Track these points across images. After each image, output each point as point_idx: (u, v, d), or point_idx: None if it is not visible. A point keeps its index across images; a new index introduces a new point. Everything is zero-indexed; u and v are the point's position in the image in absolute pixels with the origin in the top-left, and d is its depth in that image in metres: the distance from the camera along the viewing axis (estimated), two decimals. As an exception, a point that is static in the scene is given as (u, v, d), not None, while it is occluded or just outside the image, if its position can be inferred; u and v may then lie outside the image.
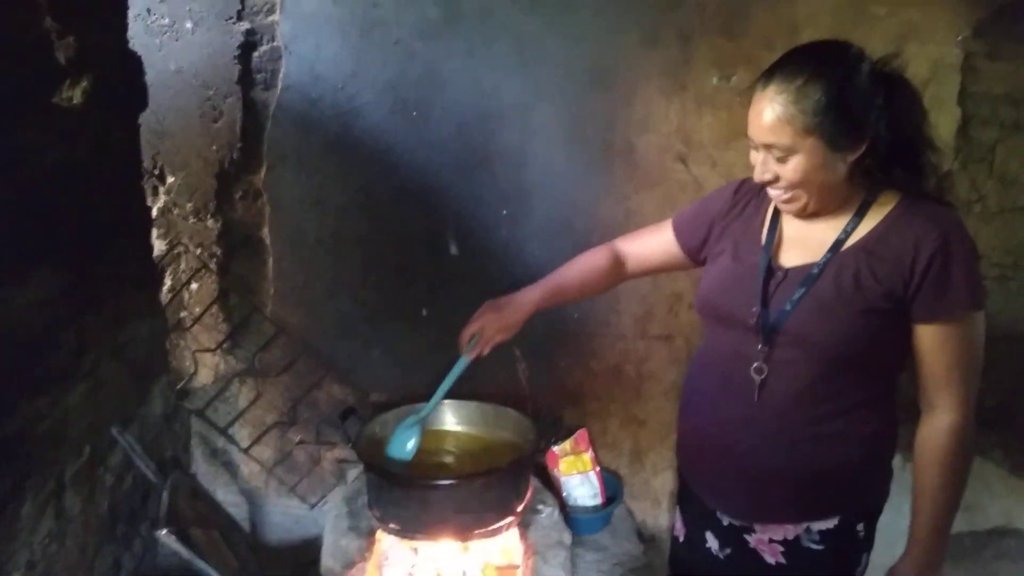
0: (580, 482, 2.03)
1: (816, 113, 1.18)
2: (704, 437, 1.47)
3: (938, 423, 1.29)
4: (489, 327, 1.51)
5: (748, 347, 1.34)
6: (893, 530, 1.71)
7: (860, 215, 1.30)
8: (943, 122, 1.90)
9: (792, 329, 1.30)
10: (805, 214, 1.32)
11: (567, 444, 2.05)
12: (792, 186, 1.26)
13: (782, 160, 1.23)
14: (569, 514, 1.93)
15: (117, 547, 1.59)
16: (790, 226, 1.38)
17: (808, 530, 1.36)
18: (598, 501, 2.04)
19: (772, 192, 1.31)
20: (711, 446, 1.46)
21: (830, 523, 1.36)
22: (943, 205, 1.30)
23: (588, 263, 1.63)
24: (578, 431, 2.08)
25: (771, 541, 1.40)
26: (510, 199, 1.95)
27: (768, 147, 1.23)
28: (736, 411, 1.38)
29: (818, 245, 1.32)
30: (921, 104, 1.27)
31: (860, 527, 1.39)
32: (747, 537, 1.43)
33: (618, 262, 1.63)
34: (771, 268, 1.35)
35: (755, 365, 1.33)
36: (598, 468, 2.05)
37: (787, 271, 1.34)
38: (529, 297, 1.55)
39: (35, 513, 1.26)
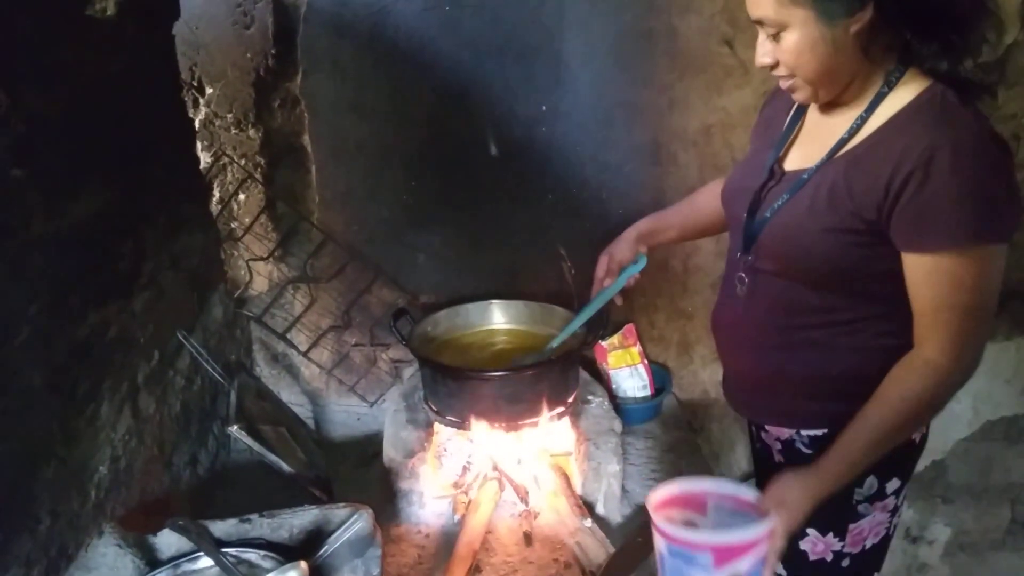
0: (629, 374, 2.06)
1: None
2: (717, 339, 1.47)
3: (918, 354, 1.11)
4: (600, 268, 1.51)
5: (737, 254, 1.28)
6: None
7: (872, 109, 1.09)
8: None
9: (765, 240, 1.19)
10: (820, 104, 1.16)
11: (615, 339, 2.07)
12: (792, 69, 1.08)
13: (775, 38, 1.06)
14: (619, 405, 1.98)
15: (192, 444, 1.70)
16: (811, 119, 1.24)
17: (799, 433, 1.33)
18: (647, 392, 2.07)
19: (779, 79, 1.14)
20: (721, 349, 1.46)
21: (819, 431, 1.30)
22: (977, 99, 1.06)
23: (699, 195, 1.55)
24: (625, 326, 2.10)
25: (776, 439, 1.38)
26: (549, 94, 1.90)
27: (760, 23, 1.07)
28: (730, 317, 1.35)
29: (823, 145, 1.16)
30: None
31: None
32: (763, 434, 1.43)
33: None
34: (772, 170, 1.23)
35: (738, 274, 1.27)
36: (646, 361, 2.08)
37: (783, 174, 1.21)
38: (630, 230, 1.53)
39: (113, 412, 1.35)
